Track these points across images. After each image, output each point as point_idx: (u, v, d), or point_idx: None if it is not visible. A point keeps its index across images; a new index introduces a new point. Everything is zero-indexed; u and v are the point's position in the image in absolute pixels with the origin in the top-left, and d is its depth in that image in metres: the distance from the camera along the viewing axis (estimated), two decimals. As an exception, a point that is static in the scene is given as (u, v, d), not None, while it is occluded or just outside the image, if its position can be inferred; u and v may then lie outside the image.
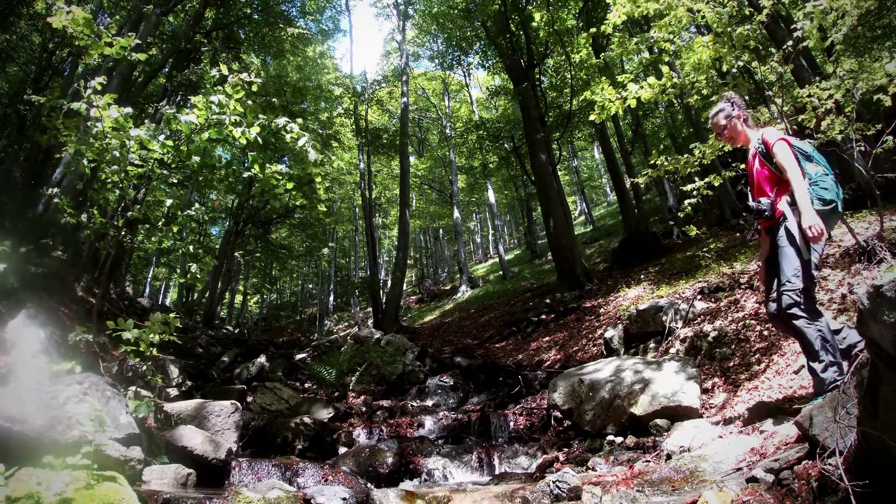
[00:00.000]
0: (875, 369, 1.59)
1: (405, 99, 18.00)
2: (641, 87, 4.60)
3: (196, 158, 4.10)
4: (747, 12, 4.33)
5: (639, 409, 3.71)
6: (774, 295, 2.76)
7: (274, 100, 13.30)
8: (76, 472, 1.83)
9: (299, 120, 4.15)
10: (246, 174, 4.49)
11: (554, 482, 2.34)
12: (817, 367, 2.54)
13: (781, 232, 2.73)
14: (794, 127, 4.74)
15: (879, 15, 10.21)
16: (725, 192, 11.74)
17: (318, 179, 4.38)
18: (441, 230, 33.20)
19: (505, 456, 3.93)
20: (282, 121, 4.10)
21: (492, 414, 4.97)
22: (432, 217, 29.38)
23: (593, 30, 7.22)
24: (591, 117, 4.99)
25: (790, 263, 2.65)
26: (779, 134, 2.79)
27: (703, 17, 4.35)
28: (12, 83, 13.02)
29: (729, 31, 4.16)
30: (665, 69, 4.83)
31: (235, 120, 3.99)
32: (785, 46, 4.44)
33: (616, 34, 5.30)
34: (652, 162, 5.08)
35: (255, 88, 4.06)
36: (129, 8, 11.56)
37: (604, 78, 5.19)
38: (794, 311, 2.59)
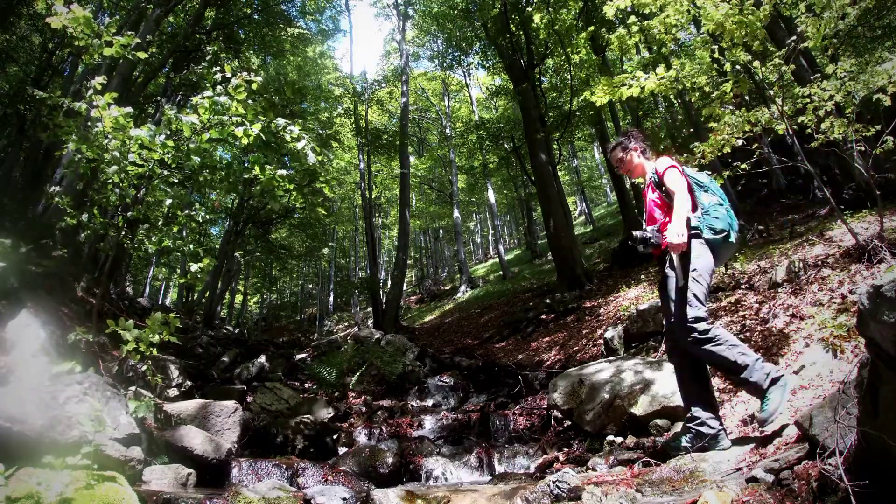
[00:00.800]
0: (875, 369, 1.59)
1: (405, 99, 18.00)
2: (648, 78, 4.61)
3: (196, 159, 4.10)
4: (749, 9, 4.33)
5: (639, 409, 3.71)
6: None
7: (274, 97, 13.29)
8: (76, 472, 1.83)
9: (299, 121, 4.15)
10: (246, 175, 4.49)
11: (554, 482, 2.34)
12: (746, 375, 2.53)
13: (669, 261, 2.73)
14: (795, 127, 4.74)
15: (879, 15, 10.21)
16: (725, 193, 11.72)
17: (323, 180, 4.38)
18: (441, 230, 33.20)
19: (505, 456, 3.93)
20: (281, 122, 4.10)
21: (492, 414, 4.97)
22: (432, 217, 29.37)
23: (591, 28, 7.23)
24: (595, 98, 5.00)
25: (679, 293, 2.64)
26: (671, 162, 2.80)
27: (705, 11, 4.34)
28: (12, 83, 13.03)
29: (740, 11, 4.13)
30: (675, 62, 4.84)
31: (237, 120, 3.99)
32: (789, 41, 4.44)
33: (615, 35, 5.29)
34: None
35: (255, 87, 4.06)
36: (129, 8, 11.56)
37: (604, 78, 5.18)
38: (693, 337, 2.58)
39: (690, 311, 2.59)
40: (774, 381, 2.51)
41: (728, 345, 2.55)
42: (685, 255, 2.66)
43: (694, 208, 2.74)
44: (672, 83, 4.73)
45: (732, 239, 2.74)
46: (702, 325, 2.57)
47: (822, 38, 4.04)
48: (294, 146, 4.13)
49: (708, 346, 2.55)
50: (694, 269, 2.64)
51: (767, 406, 2.48)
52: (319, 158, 4.24)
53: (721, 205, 2.76)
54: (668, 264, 2.75)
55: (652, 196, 2.88)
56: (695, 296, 2.61)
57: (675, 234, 2.58)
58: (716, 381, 4.02)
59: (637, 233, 2.78)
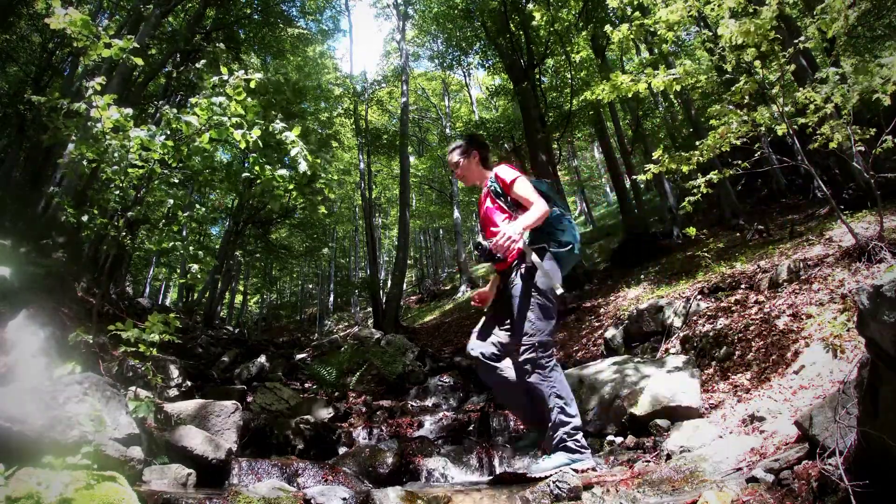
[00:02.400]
0: (875, 369, 1.59)
1: (405, 99, 18.00)
2: (657, 75, 4.62)
3: (197, 159, 4.10)
4: (751, 10, 4.33)
5: (639, 409, 3.71)
6: (488, 343, 2.64)
7: (274, 98, 13.28)
8: (76, 472, 1.83)
9: (298, 127, 4.15)
10: (246, 175, 4.49)
11: (554, 482, 2.34)
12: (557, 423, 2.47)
13: (515, 278, 2.59)
14: (795, 127, 4.74)
15: (879, 15, 10.21)
16: (725, 193, 11.73)
17: (323, 182, 4.38)
18: (441, 230, 33.19)
19: (505, 456, 3.93)
20: (278, 125, 4.10)
21: (492, 414, 4.96)
22: (432, 217, 29.36)
23: (592, 27, 7.25)
24: (600, 94, 5.00)
25: (526, 316, 2.53)
26: (517, 172, 2.70)
27: (710, 6, 4.34)
28: (12, 83, 13.03)
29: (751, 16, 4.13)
30: (677, 62, 4.85)
31: (236, 121, 3.99)
32: (797, 42, 4.43)
33: (619, 29, 5.30)
34: (655, 157, 5.09)
35: (253, 85, 4.05)
36: (129, 8, 11.56)
37: (613, 75, 5.20)
38: (529, 367, 2.51)
39: (544, 336, 2.52)
40: (565, 447, 2.45)
41: (553, 391, 2.48)
42: (531, 273, 2.54)
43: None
44: (678, 81, 4.72)
45: (577, 251, 2.69)
46: (545, 352, 2.50)
47: (827, 37, 4.04)
48: (289, 149, 4.12)
49: (533, 379, 2.48)
50: (537, 291, 2.52)
51: (545, 462, 2.44)
52: (315, 163, 4.22)
53: (564, 216, 2.71)
54: (517, 285, 2.58)
55: (490, 206, 2.76)
56: (549, 318, 2.53)
57: (508, 236, 2.41)
58: (716, 380, 4.03)
59: (484, 242, 2.62)
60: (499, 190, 2.69)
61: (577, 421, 2.51)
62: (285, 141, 4.07)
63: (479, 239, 2.67)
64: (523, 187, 2.59)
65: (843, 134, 4.31)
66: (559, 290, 2.55)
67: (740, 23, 4.12)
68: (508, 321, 2.69)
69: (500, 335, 2.69)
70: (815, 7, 4.12)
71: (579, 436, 2.51)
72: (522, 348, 2.51)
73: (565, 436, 2.45)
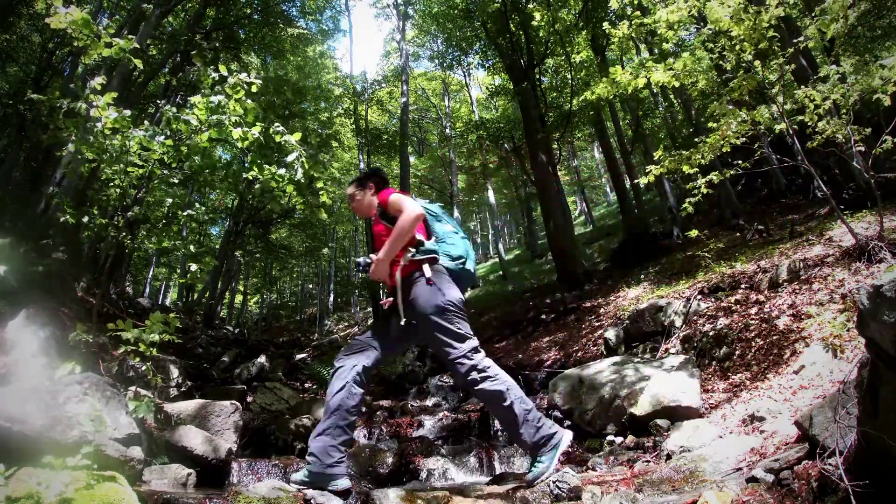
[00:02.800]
0: (875, 369, 1.59)
1: (405, 99, 18.00)
2: (658, 70, 4.62)
3: (196, 159, 4.10)
4: (752, 10, 4.34)
5: (639, 409, 3.71)
6: (360, 361, 2.54)
7: (274, 99, 13.28)
8: (76, 472, 1.83)
9: (298, 134, 4.15)
10: (246, 175, 4.49)
11: (554, 482, 2.34)
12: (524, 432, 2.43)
13: (414, 294, 2.53)
14: (795, 126, 4.74)
15: (879, 15, 10.21)
16: (725, 193, 11.74)
17: (321, 185, 4.37)
18: (441, 230, 33.12)
19: (505, 456, 3.93)
20: (279, 128, 4.09)
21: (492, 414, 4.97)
22: (432, 217, 29.32)
23: (592, 28, 7.26)
24: (599, 91, 5.00)
25: (436, 334, 2.49)
26: (396, 191, 2.71)
27: (710, 5, 4.34)
28: (12, 83, 13.03)
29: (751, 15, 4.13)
30: (685, 55, 4.85)
31: (235, 120, 3.99)
32: (797, 42, 4.43)
33: (620, 26, 5.30)
34: (656, 157, 5.09)
35: (254, 89, 4.06)
36: (129, 8, 11.56)
37: (604, 79, 5.22)
38: (474, 376, 2.45)
39: (469, 342, 2.50)
40: (545, 443, 2.44)
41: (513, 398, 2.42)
42: (407, 288, 2.52)
43: (429, 237, 2.69)
44: (677, 77, 4.72)
45: (470, 266, 2.69)
46: (478, 355, 2.47)
47: (827, 38, 4.05)
48: (289, 150, 4.11)
49: (485, 385, 2.44)
50: (446, 307, 2.49)
51: (539, 468, 2.42)
52: (315, 167, 4.22)
53: (456, 233, 2.72)
54: (412, 296, 2.54)
55: (378, 228, 2.77)
56: (455, 334, 2.49)
57: (377, 260, 2.48)
58: (716, 380, 4.03)
59: (360, 260, 2.70)
60: (382, 211, 2.70)
61: (531, 403, 2.50)
62: (285, 144, 4.06)
63: (359, 259, 2.72)
64: (397, 200, 2.59)
65: (843, 134, 4.31)
66: (455, 298, 2.53)
67: (732, 11, 4.12)
68: (388, 334, 2.67)
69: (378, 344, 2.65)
70: (815, 7, 4.12)
71: (542, 418, 2.47)
72: (457, 365, 2.47)
73: (537, 431, 2.42)
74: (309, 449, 2.43)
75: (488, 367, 2.46)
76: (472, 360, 2.46)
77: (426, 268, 2.53)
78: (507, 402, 2.41)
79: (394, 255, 2.52)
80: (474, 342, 2.53)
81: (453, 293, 2.54)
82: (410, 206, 2.51)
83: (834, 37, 4.08)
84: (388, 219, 2.65)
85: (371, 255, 2.64)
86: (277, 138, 4.04)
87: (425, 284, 2.49)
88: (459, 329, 2.50)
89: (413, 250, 2.55)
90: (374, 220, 2.77)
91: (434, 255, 2.59)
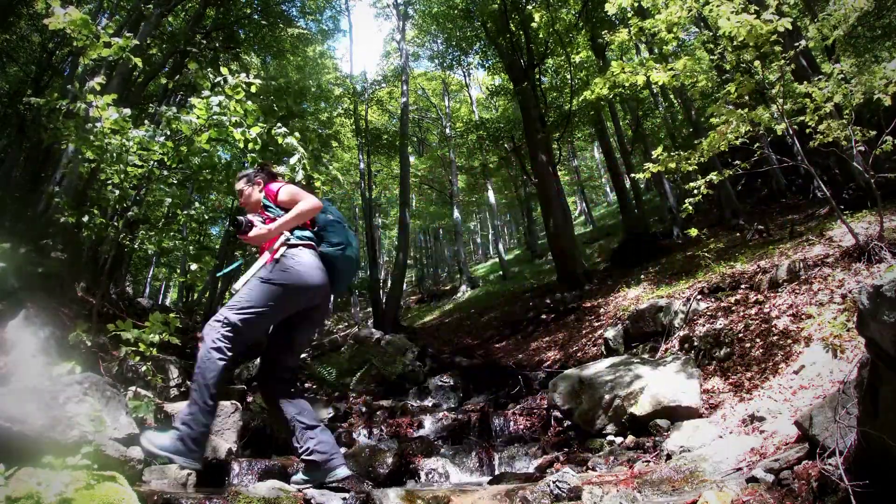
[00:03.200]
0: (875, 369, 1.59)
1: (405, 99, 17.99)
2: (658, 70, 4.62)
3: (196, 159, 4.10)
4: (752, 10, 4.33)
5: (639, 409, 3.71)
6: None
7: (275, 107, 13.27)
8: (76, 472, 1.83)
9: (297, 137, 4.15)
10: (246, 174, 4.48)
11: (554, 482, 2.34)
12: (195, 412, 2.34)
13: (260, 260, 2.59)
14: (795, 126, 4.74)
15: (879, 15, 10.20)
16: (725, 193, 11.74)
17: (318, 185, 4.37)
18: (441, 230, 33.17)
19: (505, 456, 3.93)
20: (281, 130, 4.10)
21: (492, 414, 4.97)
22: (432, 217, 29.34)
23: (591, 28, 7.26)
24: (596, 90, 5.01)
25: (242, 291, 2.49)
26: (283, 184, 2.77)
27: (708, 8, 4.34)
28: (12, 83, 13.03)
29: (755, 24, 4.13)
30: (678, 62, 4.86)
31: (236, 121, 3.99)
32: (797, 45, 4.43)
33: (618, 33, 5.32)
34: (655, 156, 5.10)
35: (254, 89, 4.05)
36: (129, 8, 11.56)
37: (604, 80, 5.23)
38: (206, 332, 2.43)
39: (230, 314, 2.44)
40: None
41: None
42: (276, 262, 2.52)
43: (312, 226, 2.72)
44: (676, 77, 4.73)
45: (350, 253, 2.72)
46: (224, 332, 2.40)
47: (828, 44, 4.05)
48: (290, 150, 4.11)
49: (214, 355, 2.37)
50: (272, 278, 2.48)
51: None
52: (318, 169, 4.23)
53: (339, 223, 2.77)
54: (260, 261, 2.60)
55: (268, 223, 2.76)
56: (246, 304, 2.45)
57: (269, 229, 2.51)
58: (716, 380, 4.02)
59: (241, 217, 2.68)
60: (267, 203, 2.75)
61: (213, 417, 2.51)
62: (287, 146, 4.06)
63: (241, 217, 2.71)
64: (290, 191, 2.68)
65: (844, 134, 4.31)
66: (312, 283, 2.53)
67: (741, 20, 4.12)
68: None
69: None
70: (815, 7, 4.13)
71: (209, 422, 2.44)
72: (214, 316, 2.46)
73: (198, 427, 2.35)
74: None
75: (227, 347, 2.39)
76: (225, 327, 2.39)
77: (293, 251, 2.56)
78: (203, 383, 2.34)
79: (280, 232, 2.56)
80: (239, 323, 2.42)
81: (303, 278, 2.52)
82: (311, 197, 2.62)
83: (835, 40, 4.09)
84: (270, 209, 2.71)
85: (252, 218, 2.66)
86: (280, 139, 4.04)
87: (284, 262, 2.51)
88: (258, 309, 2.44)
89: (288, 234, 2.60)
90: (261, 214, 2.78)
91: (310, 242, 2.64)
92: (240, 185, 2.94)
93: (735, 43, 4.36)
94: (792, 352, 3.64)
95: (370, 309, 19.41)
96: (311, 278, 2.53)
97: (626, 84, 5.09)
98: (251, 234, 2.61)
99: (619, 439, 3.66)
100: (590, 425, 3.97)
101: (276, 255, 2.51)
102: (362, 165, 18.03)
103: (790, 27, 4.14)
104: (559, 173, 14.82)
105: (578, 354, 6.90)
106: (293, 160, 4.11)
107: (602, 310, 8.56)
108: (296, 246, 2.57)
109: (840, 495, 1.67)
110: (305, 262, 2.53)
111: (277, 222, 2.57)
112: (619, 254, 12.71)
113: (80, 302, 7.61)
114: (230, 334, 2.39)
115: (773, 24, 4.06)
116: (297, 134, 4.16)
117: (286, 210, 2.63)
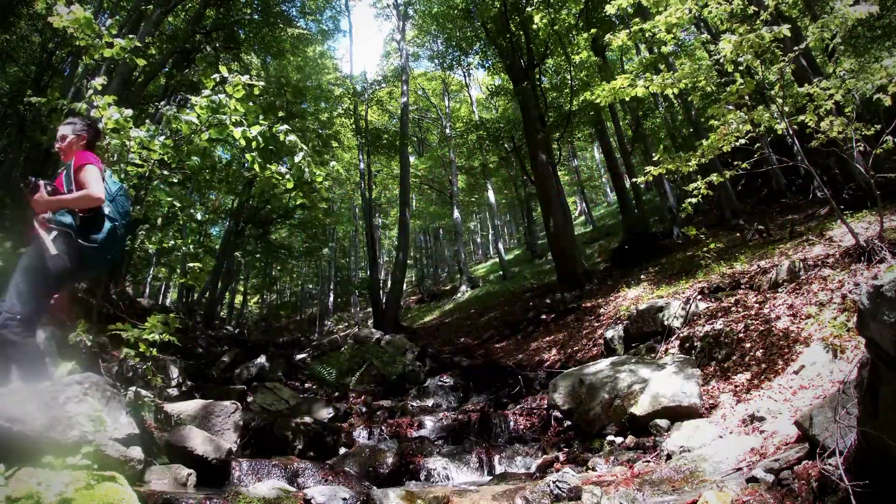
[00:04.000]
0: (875, 369, 1.59)
1: (405, 99, 17.99)
2: (654, 81, 4.63)
3: (196, 159, 4.10)
4: (751, 11, 4.34)
5: (639, 409, 3.71)
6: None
7: (276, 101, 13.27)
8: (76, 472, 1.83)
9: (298, 134, 4.15)
10: (246, 174, 4.49)
11: (554, 482, 2.34)
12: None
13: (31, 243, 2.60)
14: (795, 127, 4.74)
15: (879, 15, 10.20)
16: (725, 193, 11.73)
17: (319, 180, 4.37)
18: (441, 230, 33.18)
19: (505, 456, 3.93)
20: (283, 128, 4.10)
21: (492, 414, 4.97)
22: (432, 217, 29.36)
23: (592, 31, 7.27)
24: (597, 97, 5.02)
25: (16, 281, 2.51)
26: (95, 161, 2.72)
27: (708, 10, 4.35)
28: (12, 83, 13.02)
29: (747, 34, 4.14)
30: (677, 62, 4.86)
31: (236, 120, 3.99)
32: (797, 49, 4.43)
33: (618, 35, 5.32)
34: (655, 158, 5.10)
35: (256, 91, 4.06)
36: (129, 8, 11.56)
37: (604, 83, 5.25)
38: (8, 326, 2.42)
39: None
40: None
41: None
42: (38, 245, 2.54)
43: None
44: (675, 85, 4.74)
45: (105, 252, 2.68)
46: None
47: (828, 50, 4.07)
48: (291, 147, 4.11)
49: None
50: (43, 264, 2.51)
51: None
52: (317, 178, 4.23)
53: (115, 221, 2.72)
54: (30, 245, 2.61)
55: (58, 182, 2.77)
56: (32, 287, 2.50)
57: (49, 202, 2.50)
58: (716, 380, 4.02)
59: (34, 178, 2.68)
60: (69, 175, 2.73)
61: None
62: (289, 144, 4.06)
63: (33, 177, 2.70)
64: (88, 175, 2.64)
65: (847, 132, 4.30)
66: (56, 264, 2.53)
67: (741, 37, 4.14)
68: None
69: None
70: (815, 7, 4.13)
71: None
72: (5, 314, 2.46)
73: None
74: None
75: (25, 335, 2.43)
76: (14, 319, 2.43)
77: (43, 233, 2.57)
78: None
79: (55, 207, 2.56)
80: (28, 312, 2.47)
81: (58, 263, 2.53)
82: (97, 192, 2.58)
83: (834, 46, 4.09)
84: (71, 183, 2.68)
85: (43, 183, 2.64)
86: (282, 137, 4.04)
87: (47, 242, 2.53)
88: (29, 291, 2.50)
89: (52, 214, 2.60)
90: (63, 171, 2.77)
91: (68, 232, 2.61)
92: (65, 129, 2.87)
93: (733, 42, 4.36)
94: (792, 352, 3.64)
95: (370, 309, 19.41)
96: (65, 262, 2.54)
97: (627, 97, 5.10)
98: (34, 200, 2.57)
99: (619, 439, 3.66)
100: (590, 425, 3.97)
101: (51, 236, 2.52)
102: (362, 165, 18.03)
103: (789, 34, 4.14)
104: (559, 173, 14.82)
105: (578, 354, 6.90)
106: (298, 158, 4.11)
107: (602, 310, 8.56)
108: (55, 230, 2.55)
109: (840, 495, 1.67)
110: (59, 247, 2.53)
111: (57, 200, 2.55)
112: (619, 254, 12.71)
113: (80, 302, 7.61)
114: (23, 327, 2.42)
115: (774, 31, 4.07)
116: (298, 133, 4.16)
117: (79, 187, 2.60)
